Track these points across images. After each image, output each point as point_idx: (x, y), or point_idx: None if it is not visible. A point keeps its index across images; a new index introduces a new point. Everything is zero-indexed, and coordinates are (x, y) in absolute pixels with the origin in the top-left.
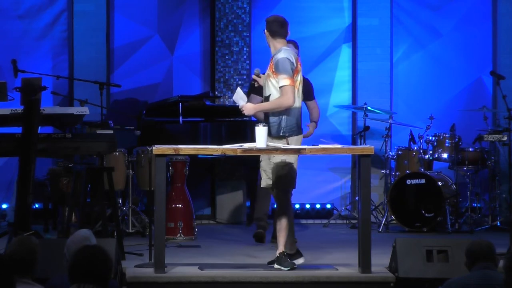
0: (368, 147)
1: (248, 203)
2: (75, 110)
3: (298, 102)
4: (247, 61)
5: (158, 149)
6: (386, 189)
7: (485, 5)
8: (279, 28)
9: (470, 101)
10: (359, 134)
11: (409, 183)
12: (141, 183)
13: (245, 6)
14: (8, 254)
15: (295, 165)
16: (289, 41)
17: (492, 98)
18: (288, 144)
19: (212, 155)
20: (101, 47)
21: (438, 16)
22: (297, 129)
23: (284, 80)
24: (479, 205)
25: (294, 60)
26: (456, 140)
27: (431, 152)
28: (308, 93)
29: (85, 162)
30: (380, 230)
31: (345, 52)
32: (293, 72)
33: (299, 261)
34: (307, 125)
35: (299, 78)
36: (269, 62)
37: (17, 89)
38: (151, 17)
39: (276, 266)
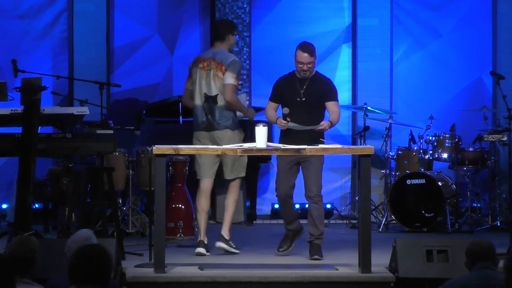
0: (368, 147)
1: (248, 203)
2: (75, 110)
3: (197, 100)
4: (247, 61)
5: (158, 149)
6: (386, 189)
7: (485, 5)
8: (215, 31)
9: (470, 101)
10: (359, 134)
11: (409, 183)
12: (141, 183)
13: (245, 6)
14: (8, 254)
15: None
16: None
17: (492, 98)
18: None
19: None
20: (101, 47)
21: (438, 16)
22: (195, 126)
23: None
24: (479, 205)
25: (195, 59)
26: (456, 140)
27: (431, 152)
28: (323, 93)
29: (85, 162)
30: (380, 230)
31: (345, 52)
32: (189, 71)
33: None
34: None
35: (195, 77)
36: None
37: (17, 89)
38: (151, 17)
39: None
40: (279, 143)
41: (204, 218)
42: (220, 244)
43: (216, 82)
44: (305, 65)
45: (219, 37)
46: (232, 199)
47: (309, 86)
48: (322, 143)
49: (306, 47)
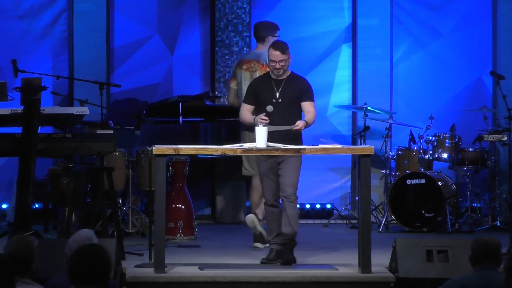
0: (368, 147)
1: (248, 203)
2: (75, 110)
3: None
4: None
5: (158, 149)
6: (386, 189)
7: (485, 5)
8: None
9: (470, 101)
10: (359, 134)
11: (409, 183)
12: (141, 183)
13: (245, 6)
14: (7, 253)
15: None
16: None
17: (492, 98)
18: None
19: (212, 155)
20: (101, 47)
21: (438, 16)
22: (243, 125)
23: None
24: (479, 205)
25: (239, 61)
26: (456, 140)
27: (431, 152)
28: (299, 93)
29: (85, 162)
30: (380, 230)
31: (345, 52)
32: (233, 72)
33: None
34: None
35: (239, 78)
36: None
37: (17, 89)
38: (151, 17)
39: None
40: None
41: (259, 212)
42: (252, 217)
43: None
44: (277, 63)
45: (259, 39)
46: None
47: (285, 86)
48: (300, 143)
49: (278, 45)
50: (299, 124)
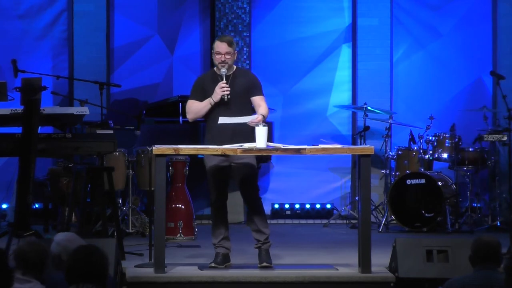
0: (368, 147)
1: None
2: (75, 110)
3: None
4: (247, 61)
5: (158, 149)
6: (386, 189)
7: (485, 5)
8: None
9: (470, 101)
10: (359, 134)
11: (409, 183)
12: (141, 183)
13: (245, 6)
14: (15, 252)
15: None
16: None
17: (492, 98)
18: None
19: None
20: (101, 47)
21: (438, 16)
22: None
23: None
24: (479, 205)
25: None
26: (456, 140)
27: (431, 152)
28: (248, 87)
29: (85, 162)
30: (380, 230)
31: (345, 52)
32: None
33: None
34: None
35: None
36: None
37: (17, 89)
38: (151, 17)
39: None
40: (206, 143)
41: None
42: None
43: None
44: (223, 55)
45: None
46: None
47: (232, 82)
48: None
49: (225, 37)
50: (259, 117)
